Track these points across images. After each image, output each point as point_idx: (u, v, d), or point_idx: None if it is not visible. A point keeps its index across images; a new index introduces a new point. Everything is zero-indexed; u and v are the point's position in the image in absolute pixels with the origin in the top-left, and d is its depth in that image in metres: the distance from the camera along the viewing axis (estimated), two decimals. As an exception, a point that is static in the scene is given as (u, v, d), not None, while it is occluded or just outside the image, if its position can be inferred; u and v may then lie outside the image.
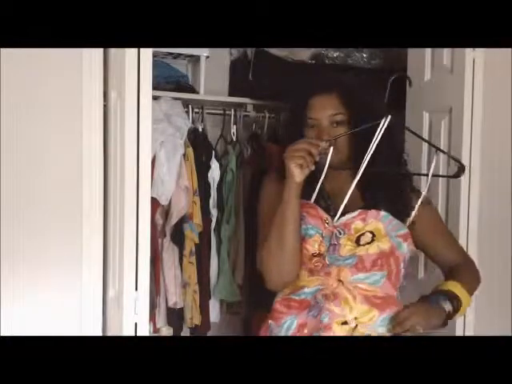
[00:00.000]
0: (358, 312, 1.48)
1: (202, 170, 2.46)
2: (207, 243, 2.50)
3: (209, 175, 2.48)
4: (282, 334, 1.53)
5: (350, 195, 1.51)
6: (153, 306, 2.30)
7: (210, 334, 2.53)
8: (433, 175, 1.54)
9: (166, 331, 2.45)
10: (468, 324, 1.99)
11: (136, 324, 1.63)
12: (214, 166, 2.49)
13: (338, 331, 1.47)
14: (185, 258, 2.43)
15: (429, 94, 2.19)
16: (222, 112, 2.62)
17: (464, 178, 1.97)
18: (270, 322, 1.58)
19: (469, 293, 1.54)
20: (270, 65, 2.60)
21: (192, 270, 2.43)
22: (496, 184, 2.15)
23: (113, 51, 1.77)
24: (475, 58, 1.96)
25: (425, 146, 2.18)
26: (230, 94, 2.78)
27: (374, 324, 1.48)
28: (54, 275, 1.79)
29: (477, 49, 1.96)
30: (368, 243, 1.49)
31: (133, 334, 1.63)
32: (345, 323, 1.47)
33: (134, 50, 1.59)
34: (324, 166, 1.50)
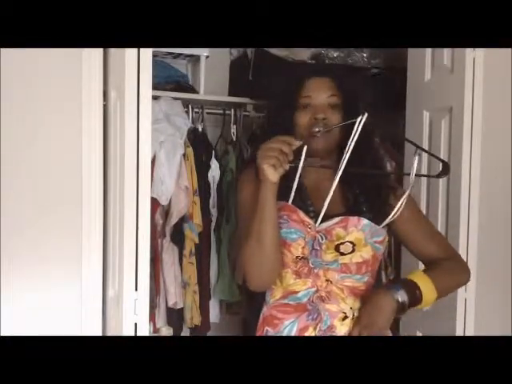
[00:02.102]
0: (349, 302, 1.50)
1: (202, 169, 2.46)
2: (207, 243, 2.50)
3: (209, 175, 2.48)
4: None
5: (332, 196, 1.48)
6: (153, 306, 2.30)
7: (209, 334, 2.53)
8: (416, 175, 1.46)
9: (166, 331, 2.45)
10: (468, 324, 2.00)
11: (136, 324, 1.63)
12: (214, 165, 2.49)
13: (342, 329, 1.48)
14: (185, 258, 2.43)
15: (429, 94, 2.19)
16: (221, 112, 2.62)
17: (464, 178, 1.97)
18: (266, 328, 1.54)
19: (437, 287, 1.48)
20: (270, 65, 2.60)
21: (192, 270, 2.43)
22: (496, 183, 2.15)
23: (113, 51, 1.77)
24: (475, 58, 1.96)
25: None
26: (230, 94, 2.78)
27: None
28: (54, 275, 1.79)
29: (477, 49, 1.96)
30: (350, 253, 1.48)
31: (133, 334, 1.63)
32: (345, 318, 1.49)
33: (133, 50, 1.59)
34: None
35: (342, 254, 1.48)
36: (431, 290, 1.47)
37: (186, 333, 2.53)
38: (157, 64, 2.37)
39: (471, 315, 2.00)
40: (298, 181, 1.51)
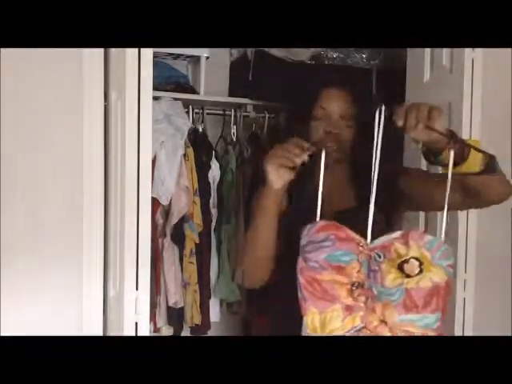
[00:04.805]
0: None
1: (203, 170, 2.47)
2: (207, 243, 2.51)
3: (209, 175, 2.49)
4: None
5: (343, 193, 1.48)
6: (153, 306, 2.31)
7: (210, 333, 2.53)
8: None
9: (167, 330, 2.45)
10: (468, 324, 2.00)
11: (136, 324, 1.63)
12: (214, 166, 2.50)
13: None
14: (185, 258, 2.43)
15: (428, 94, 2.19)
16: (222, 112, 2.63)
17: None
18: None
19: (483, 160, 1.31)
20: (269, 65, 2.61)
21: (192, 270, 2.44)
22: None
23: (113, 51, 1.78)
24: (474, 58, 1.97)
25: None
26: (230, 95, 2.79)
27: None
28: (55, 275, 1.79)
29: (476, 49, 1.96)
30: (417, 274, 1.21)
31: (133, 333, 1.63)
32: None
33: (134, 51, 1.59)
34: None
35: (408, 276, 1.21)
36: (477, 155, 1.30)
37: (186, 332, 2.54)
38: (157, 65, 2.37)
39: (470, 315, 2.00)
40: (312, 185, 1.46)
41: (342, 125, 1.54)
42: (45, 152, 1.78)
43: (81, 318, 1.81)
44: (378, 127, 1.25)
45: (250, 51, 2.69)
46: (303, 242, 1.28)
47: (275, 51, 2.61)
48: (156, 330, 2.44)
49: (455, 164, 1.25)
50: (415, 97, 2.27)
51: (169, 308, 2.43)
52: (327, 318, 1.25)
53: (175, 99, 2.46)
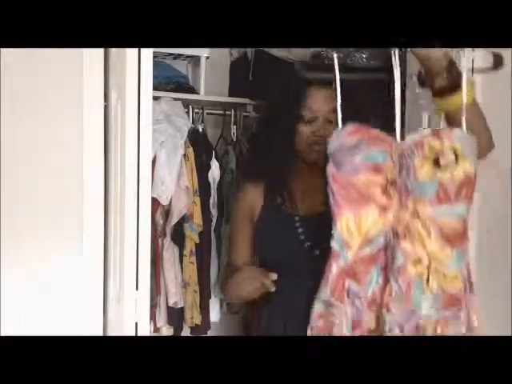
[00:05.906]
0: (432, 249, 1.25)
1: (203, 170, 2.47)
2: (207, 243, 2.51)
3: (209, 175, 2.49)
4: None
5: (316, 194, 1.46)
6: (153, 306, 2.31)
7: (210, 333, 2.53)
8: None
9: (167, 330, 2.45)
10: (468, 324, 1.99)
11: (136, 323, 1.63)
12: (214, 166, 2.50)
13: (413, 272, 1.25)
14: (185, 258, 2.43)
15: (428, 95, 2.18)
16: (222, 112, 2.63)
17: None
18: (347, 283, 1.29)
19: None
20: (269, 65, 2.60)
21: (192, 270, 2.44)
22: (495, 185, 2.15)
23: (113, 51, 1.78)
24: (474, 59, 1.96)
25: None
26: (230, 95, 2.79)
27: (450, 261, 1.27)
28: (55, 275, 1.79)
29: (476, 49, 1.96)
30: (452, 166, 1.22)
31: (133, 333, 1.63)
32: (418, 262, 1.25)
33: (134, 51, 1.59)
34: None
35: (441, 168, 1.22)
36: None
37: (186, 332, 2.54)
38: (157, 65, 2.37)
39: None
40: (287, 182, 1.54)
41: (333, 126, 1.47)
42: (44, 152, 1.78)
43: (81, 318, 1.81)
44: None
45: (250, 51, 2.69)
46: (332, 148, 1.26)
47: (275, 51, 2.60)
48: (156, 330, 2.44)
49: (451, 91, 1.35)
50: (415, 97, 2.26)
51: (169, 308, 2.43)
52: (362, 219, 1.24)
53: (175, 99, 2.46)
